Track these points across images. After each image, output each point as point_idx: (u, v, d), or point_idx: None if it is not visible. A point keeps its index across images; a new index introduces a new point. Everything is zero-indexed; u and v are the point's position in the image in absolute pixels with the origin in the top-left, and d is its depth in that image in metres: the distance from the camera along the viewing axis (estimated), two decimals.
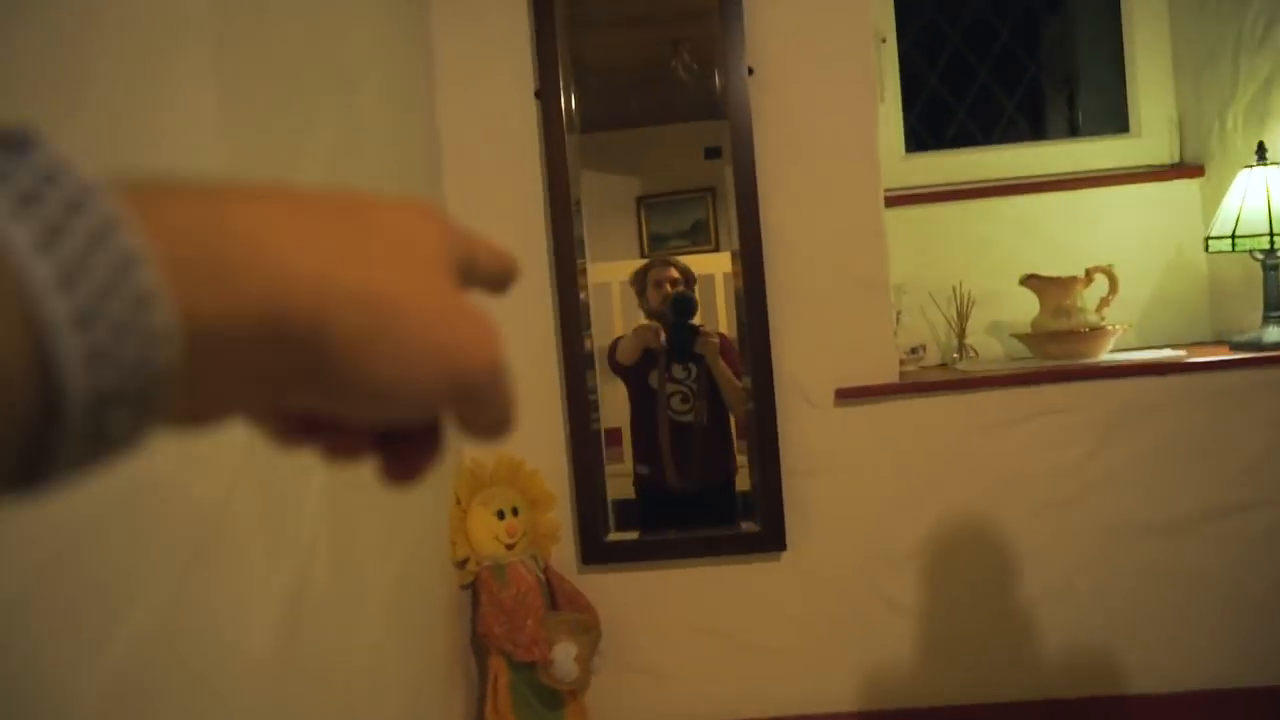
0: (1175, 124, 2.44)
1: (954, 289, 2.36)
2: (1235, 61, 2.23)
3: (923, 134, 2.56)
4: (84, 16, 0.76)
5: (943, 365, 2.40)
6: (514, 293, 0.32)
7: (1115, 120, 2.50)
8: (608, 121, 2.89)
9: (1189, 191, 2.38)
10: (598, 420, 1.92)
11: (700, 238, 3.89)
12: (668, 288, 2.56)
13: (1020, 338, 2.14)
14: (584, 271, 2.01)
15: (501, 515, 1.83)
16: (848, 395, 1.88)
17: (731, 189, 1.90)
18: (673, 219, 3.69)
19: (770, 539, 1.92)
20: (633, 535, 2.06)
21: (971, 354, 2.32)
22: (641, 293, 2.65)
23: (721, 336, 2.50)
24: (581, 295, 1.96)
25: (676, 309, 2.47)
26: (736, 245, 1.94)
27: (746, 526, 2.04)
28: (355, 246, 0.25)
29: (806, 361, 1.89)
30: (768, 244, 1.87)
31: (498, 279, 0.32)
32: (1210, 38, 2.32)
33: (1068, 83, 2.64)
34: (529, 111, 1.91)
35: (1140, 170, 2.43)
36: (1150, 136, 2.45)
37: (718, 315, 2.62)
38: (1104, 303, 2.11)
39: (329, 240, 0.25)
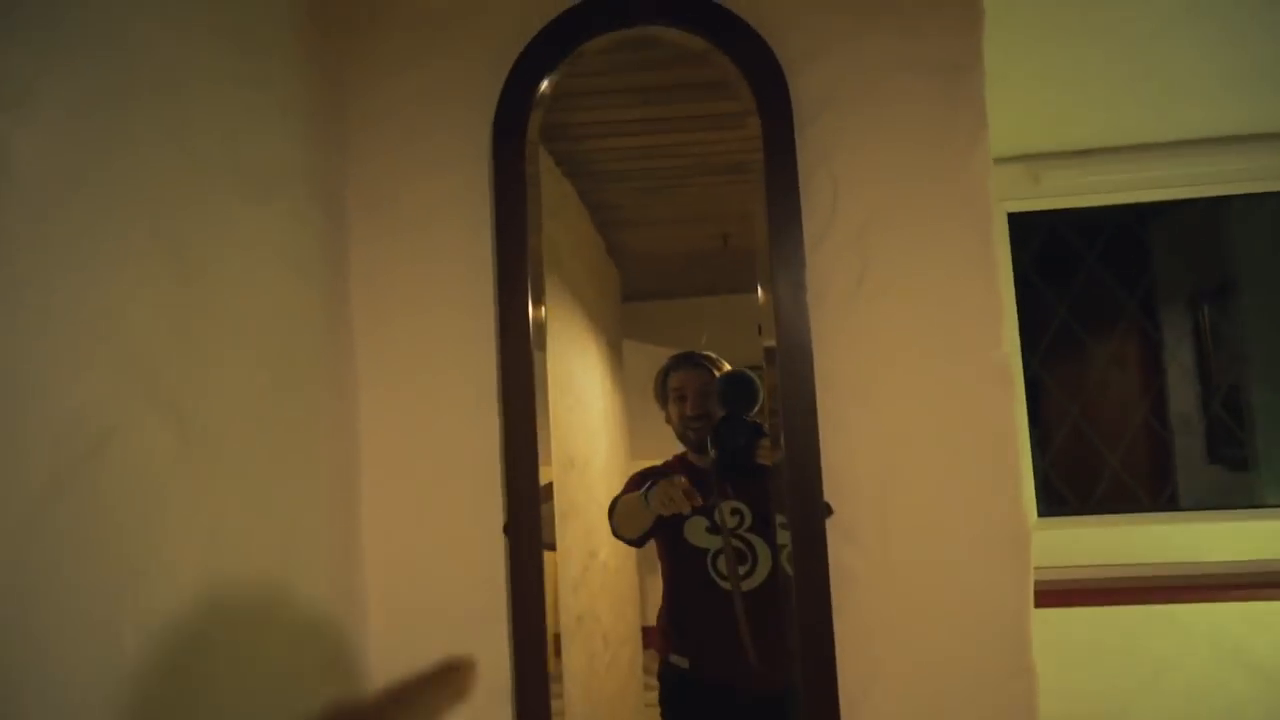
0: None
1: None
2: None
3: (1060, 486, 1.84)
4: None
5: None
6: None
7: None
8: (651, 293, 2.68)
9: None
10: None
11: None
12: (686, 408, 1.72)
13: None
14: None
15: None
16: None
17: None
18: None
19: None
20: None
21: None
22: (664, 406, 1.86)
23: None
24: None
25: (728, 396, 1.63)
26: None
27: None
28: None
29: None
30: None
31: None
32: None
33: (1253, 426, 1.92)
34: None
35: None
36: None
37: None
38: None
39: None
